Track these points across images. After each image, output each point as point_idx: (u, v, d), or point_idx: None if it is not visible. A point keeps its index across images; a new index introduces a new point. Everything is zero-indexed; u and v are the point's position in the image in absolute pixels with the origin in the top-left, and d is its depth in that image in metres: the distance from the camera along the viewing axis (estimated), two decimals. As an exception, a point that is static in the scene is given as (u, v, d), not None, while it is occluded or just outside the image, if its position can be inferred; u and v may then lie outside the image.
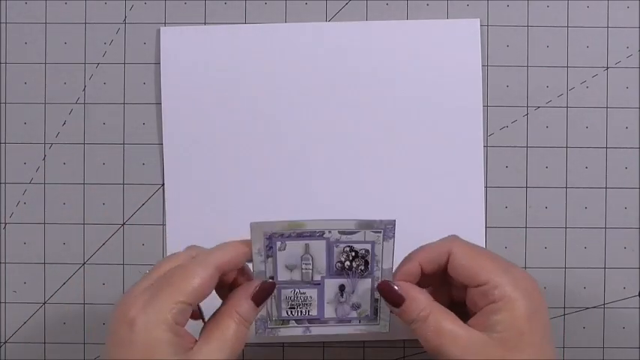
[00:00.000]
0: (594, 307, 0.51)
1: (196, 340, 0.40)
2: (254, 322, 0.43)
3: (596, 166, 0.50)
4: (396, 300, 0.42)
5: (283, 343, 0.51)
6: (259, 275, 0.44)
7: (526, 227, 0.50)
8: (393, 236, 0.44)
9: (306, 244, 0.44)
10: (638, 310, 0.51)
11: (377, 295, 0.45)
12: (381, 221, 0.44)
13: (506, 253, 0.50)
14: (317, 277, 0.45)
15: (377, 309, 0.45)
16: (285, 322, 0.45)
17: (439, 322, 0.41)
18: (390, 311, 0.44)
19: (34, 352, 0.51)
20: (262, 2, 0.51)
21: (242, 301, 0.41)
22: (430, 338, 0.41)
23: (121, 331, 0.39)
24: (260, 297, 0.42)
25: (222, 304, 0.42)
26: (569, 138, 0.51)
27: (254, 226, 0.43)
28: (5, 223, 0.51)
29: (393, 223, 0.44)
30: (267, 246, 0.43)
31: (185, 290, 0.39)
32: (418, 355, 0.51)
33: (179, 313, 0.39)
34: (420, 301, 0.42)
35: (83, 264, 0.51)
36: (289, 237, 0.44)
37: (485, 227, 0.50)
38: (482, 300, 0.41)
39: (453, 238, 0.44)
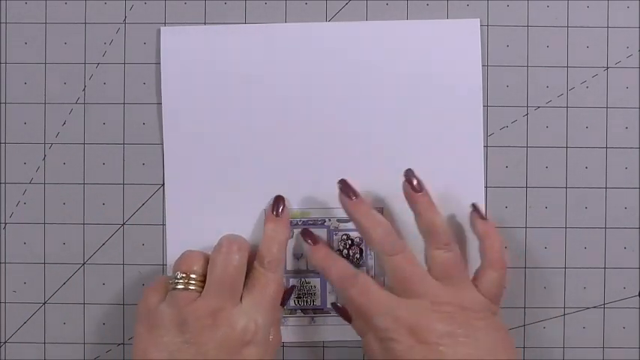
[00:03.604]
0: (594, 307, 0.51)
1: None
2: None
3: (596, 166, 0.50)
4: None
5: (283, 342, 0.51)
6: None
7: (526, 227, 0.51)
8: None
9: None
10: (638, 310, 0.51)
11: None
12: None
13: (507, 253, 0.50)
14: None
15: None
16: (293, 311, 0.50)
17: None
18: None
19: (34, 352, 0.51)
20: (262, 2, 0.51)
21: (281, 310, 0.48)
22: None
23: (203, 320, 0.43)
24: (285, 300, 0.49)
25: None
26: (569, 138, 0.51)
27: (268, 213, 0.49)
28: (5, 223, 0.51)
29: (381, 210, 0.49)
30: None
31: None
32: (418, 355, 0.51)
33: None
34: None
35: (83, 264, 0.51)
36: (297, 225, 0.49)
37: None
38: None
39: None
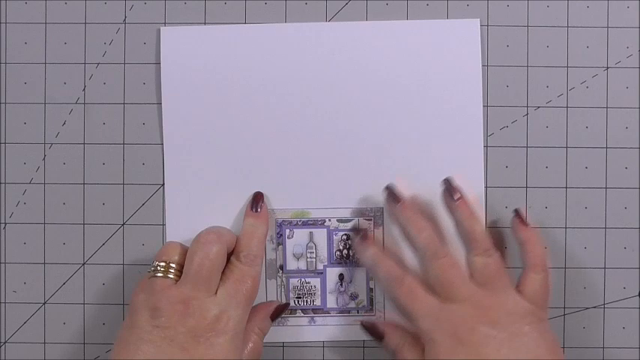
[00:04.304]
0: (594, 307, 0.51)
1: None
2: None
3: (596, 166, 0.50)
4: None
5: (283, 342, 0.51)
6: (270, 263, 0.50)
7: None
8: (382, 223, 0.50)
9: (310, 232, 0.50)
10: (638, 310, 0.51)
11: (372, 284, 0.50)
12: (371, 209, 0.50)
13: (507, 253, 0.50)
14: (320, 267, 0.50)
15: (372, 299, 0.50)
16: (293, 311, 0.50)
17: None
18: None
19: (34, 352, 0.51)
20: (262, 2, 0.51)
21: (263, 320, 0.48)
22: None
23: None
24: (276, 315, 0.49)
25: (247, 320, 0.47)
26: (569, 138, 0.51)
27: (268, 212, 0.49)
28: (5, 223, 0.51)
29: (381, 210, 0.50)
30: (277, 233, 0.50)
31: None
32: (418, 355, 0.51)
33: None
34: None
35: (83, 264, 0.51)
36: (296, 225, 0.50)
37: (486, 227, 0.50)
38: None
39: None
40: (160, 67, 0.50)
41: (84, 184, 0.51)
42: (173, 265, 0.45)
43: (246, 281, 0.45)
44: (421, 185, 0.50)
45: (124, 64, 0.51)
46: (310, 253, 0.50)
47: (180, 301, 0.43)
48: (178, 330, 0.43)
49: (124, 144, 0.51)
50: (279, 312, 0.49)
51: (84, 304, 0.51)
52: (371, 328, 0.48)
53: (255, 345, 0.47)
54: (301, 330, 0.50)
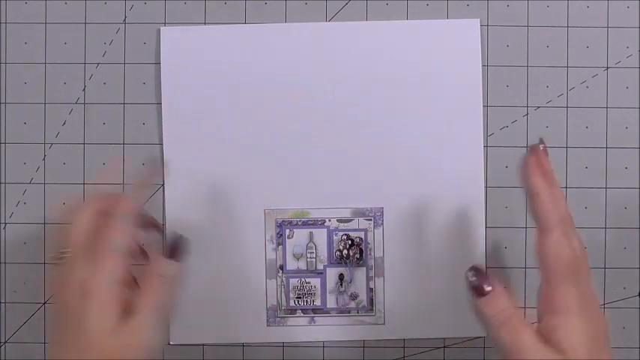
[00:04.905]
0: (594, 307, 0.51)
1: None
2: (265, 312, 0.50)
3: (596, 166, 0.50)
4: (482, 287, 0.40)
5: (283, 342, 0.51)
6: (270, 263, 0.50)
7: (526, 227, 0.51)
8: (382, 224, 0.50)
9: (310, 233, 0.50)
10: (638, 310, 0.51)
11: (372, 285, 0.50)
12: (371, 209, 0.50)
13: (506, 253, 0.50)
14: (320, 267, 0.50)
15: (372, 299, 0.50)
16: (292, 311, 0.50)
17: (516, 331, 0.39)
18: (473, 297, 0.40)
19: (34, 352, 0.51)
20: (262, 2, 0.51)
21: (161, 265, 0.42)
22: (506, 341, 0.39)
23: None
24: (173, 252, 0.43)
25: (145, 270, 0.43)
26: (569, 138, 0.51)
27: (268, 213, 0.50)
28: (5, 223, 0.51)
29: (381, 210, 0.50)
30: (277, 233, 0.50)
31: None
32: (418, 355, 0.51)
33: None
34: (503, 298, 0.40)
35: (83, 264, 0.51)
36: (296, 225, 0.50)
37: (486, 227, 0.50)
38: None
39: None
40: (160, 67, 0.50)
41: (84, 184, 0.51)
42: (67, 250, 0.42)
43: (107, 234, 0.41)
44: (421, 185, 0.50)
45: (124, 64, 0.51)
46: (310, 253, 0.50)
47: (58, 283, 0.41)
48: (59, 309, 0.41)
49: (124, 144, 0.51)
50: (176, 248, 0.43)
51: (84, 304, 0.51)
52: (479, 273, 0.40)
53: (159, 294, 0.42)
54: (301, 330, 0.50)
